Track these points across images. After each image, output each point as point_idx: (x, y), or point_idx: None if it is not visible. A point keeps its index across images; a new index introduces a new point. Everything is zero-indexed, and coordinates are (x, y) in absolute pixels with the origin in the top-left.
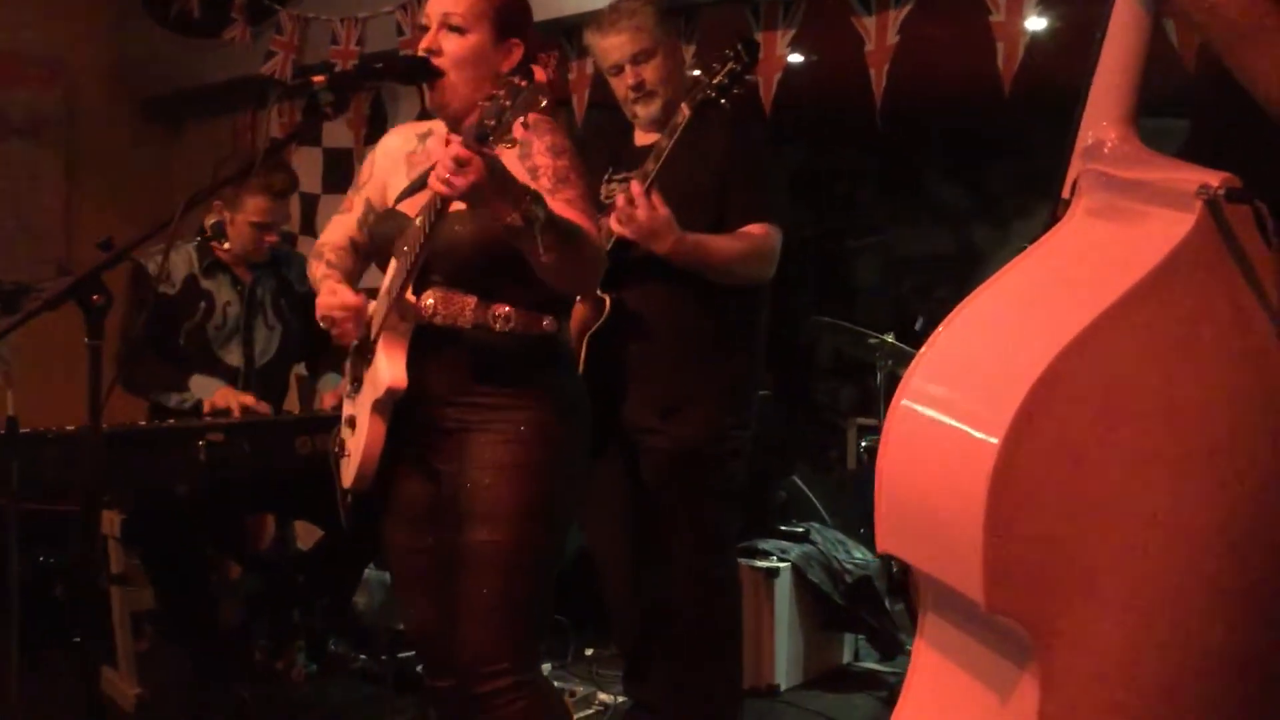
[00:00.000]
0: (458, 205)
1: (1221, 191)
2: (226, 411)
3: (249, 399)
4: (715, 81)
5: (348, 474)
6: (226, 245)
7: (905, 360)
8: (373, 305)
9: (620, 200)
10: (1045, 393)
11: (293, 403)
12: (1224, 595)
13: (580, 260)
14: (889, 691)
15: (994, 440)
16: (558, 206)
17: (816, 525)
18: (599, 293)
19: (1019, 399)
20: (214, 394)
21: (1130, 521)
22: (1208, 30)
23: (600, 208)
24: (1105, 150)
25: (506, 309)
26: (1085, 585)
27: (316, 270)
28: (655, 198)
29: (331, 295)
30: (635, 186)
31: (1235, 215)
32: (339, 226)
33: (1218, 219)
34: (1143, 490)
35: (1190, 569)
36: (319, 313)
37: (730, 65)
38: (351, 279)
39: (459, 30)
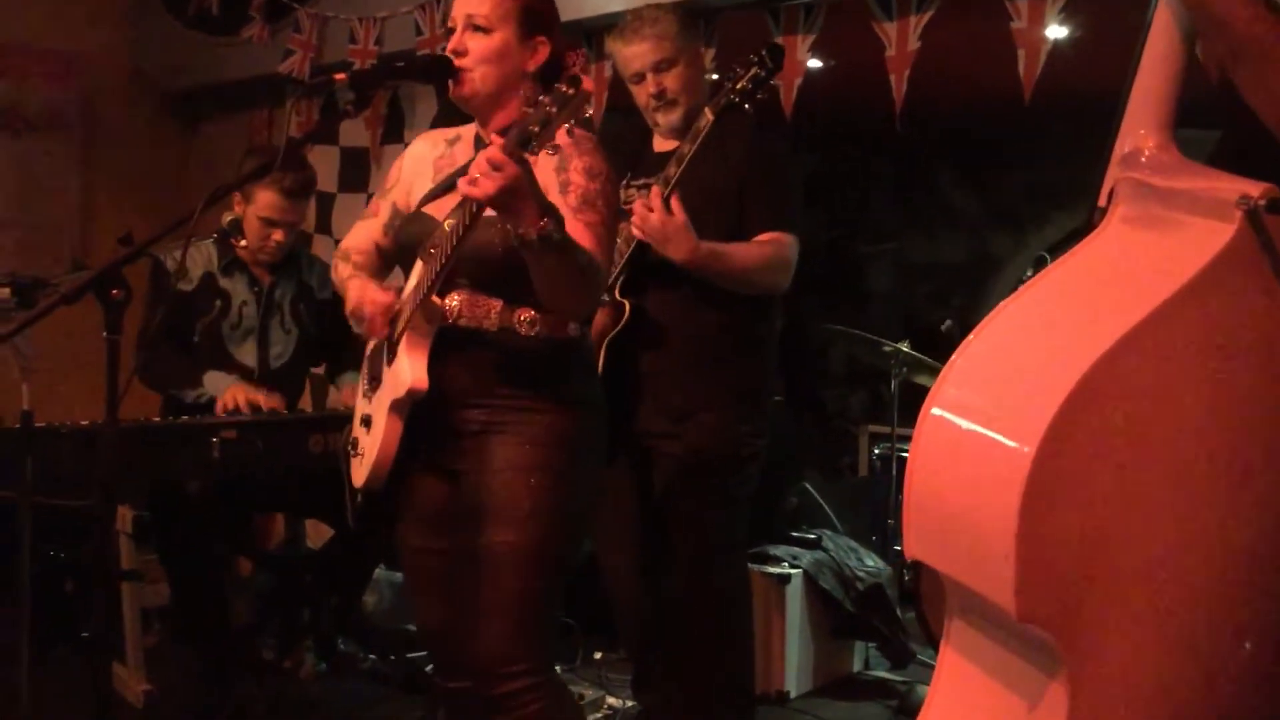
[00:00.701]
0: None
1: (1263, 202)
2: (237, 411)
3: (259, 396)
4: (739, 87)
5: (360, 473)
6: (243, 242)
7: (918, 367)
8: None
9: (639, 204)
10: (1080, 402)
11: (306, 401)
12: (1257, 607)
13: (577, 288)
14: (899, 700)
15: (1028, 449)
16: (576, 227)
17: (828, 532)
18: (620, 298)
19: (1053, 408)
20: (225, 391)
21: (1163, 532)
22: (1218, 41)
23: (621, 216)
24: (1143, 159)
25: (532, 313)
26: (1116, 595)
27: (343, 272)
28: (674, 203)
29: (362, 291)
30: (655, 190)
31: (1275, 226)
32: (364, 231)
33: (1258, 229)
34: (1176, 501)
35: (1222, 580)
36: (349, 306)
37: (755, 70)
38: (375, 277)
39: (484, 30)
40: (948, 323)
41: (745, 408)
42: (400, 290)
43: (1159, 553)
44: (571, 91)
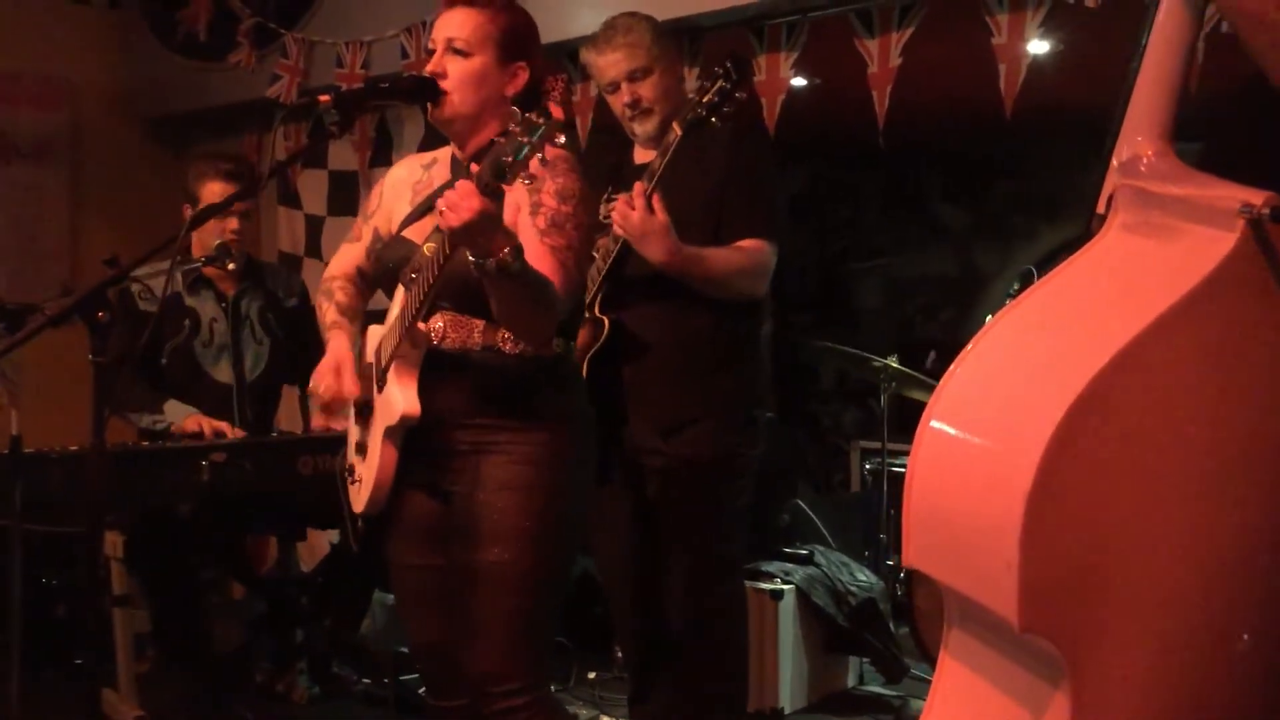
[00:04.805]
0: None
1: (1266, 211)
2: (198, 436)
3: (223, 425)
4: (705, 100)
5: (359, 500)
6: (230, 265)
7: (908, 383)
8: (377, 333)
9: (621, 201)
10: (1083, 411)
11: (295, 422)
12: (1261, 614)
13: (532, 315)
14: (894, 715)
15: (1031, 460)
16: (541, 250)
17: (820, 548)
18: (598, 314)
19: (1056, 419)
20: (184, 420)
21: (1167, 541)
22: (1251, 40)
23: (599, 229)
24: (1142, 166)
25: None
26: (1119, 603)
27: (326, 313)
28: (656, 203)
29: (334, 371)
30: (638, 186)
31: (1277, 235)
32: (347, 256)
33: (1260, 238)
34: (1180, 510)
35: (1226, 587)
36: (314, 376)
37: (720, 83)
38: (358, 314)
39: (463, 53)
40: (932, 356)
41: (734, 418)
42: (365, 362)
43: (1162, 560)
44: (542, 121)
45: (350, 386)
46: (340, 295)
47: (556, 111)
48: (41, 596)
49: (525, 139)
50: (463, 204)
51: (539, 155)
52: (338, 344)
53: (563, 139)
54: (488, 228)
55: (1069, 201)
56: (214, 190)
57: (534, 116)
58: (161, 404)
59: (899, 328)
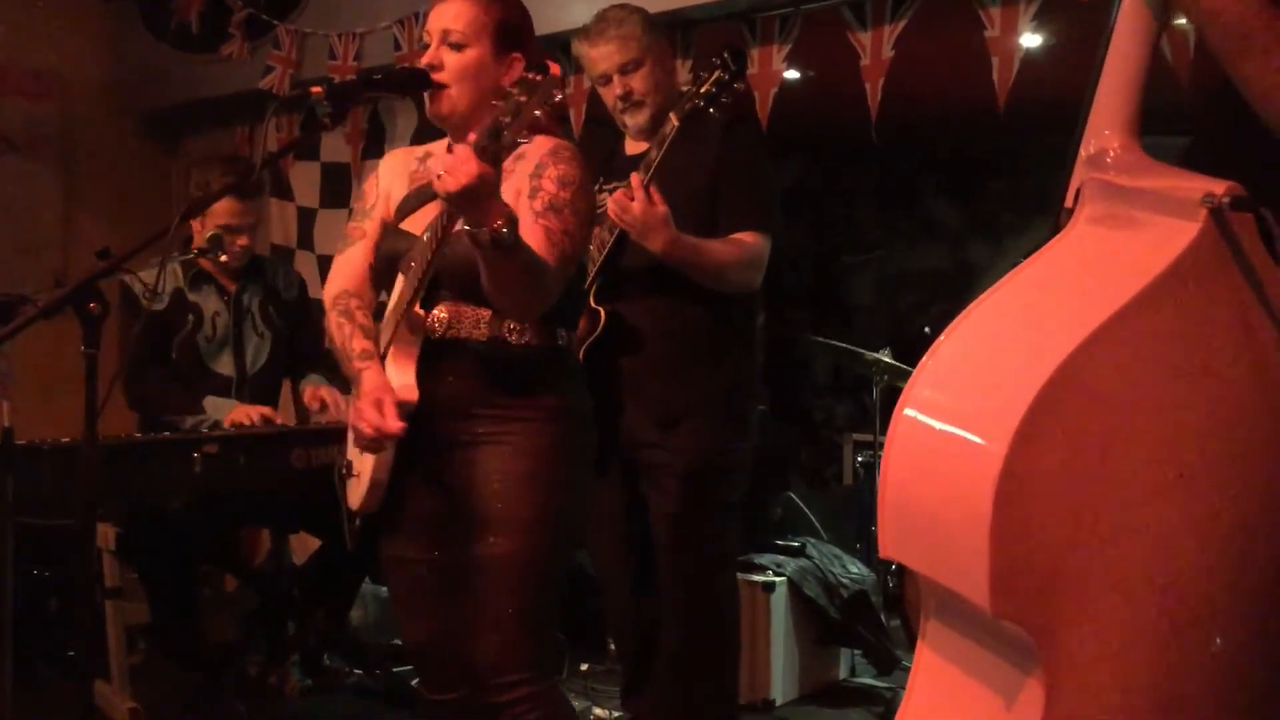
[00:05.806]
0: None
1: (1227, 200)
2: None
3: (267, 410)
4: (703, 91)
5: (355, 494)
6: (224, 258)
7: (901, 376)
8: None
9: (619, 193)
10: (1050, 400)
11: (289, 415)
12: (1227, 602)
13: (521, 290)
14: (885, 707)
15: (999, 447)
16: (535, 230)
17: (812, 540)
18: (595, 305)
19: (1024, 407)
20: (230, 412)
21: (1134, 528)
22: (1208, 35)
23: (597, 220)
24: (1108, 159)
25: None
26: (1090, 591)
27: (352, 339)
28: (654, 193)
29: (375, 406)
30: (635, 178)
31: (1239, 224)
32: (353, 263)
33: (1222, 227)
34: (1146, 497)
35: (1194, 575)
36: (353, 413)
37: (717, 74)
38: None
39: (459, 46)
40: (927, 330)
41: (731, 411)
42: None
43: (1132, 548)
44: (539, 78)
45: (394, 423)
46: (361, 317)
47: (554, 68)
48: (33, 589)
49: (522, 98)
50: (460, 168)
51: (536, 111)
52: (375, 377)
53: (560, 96)
54: (485, 193)
55: (1061, 195)
56: (224, 206)
57: (532, 76)
58: (200, 402)
59: (892, 322)
